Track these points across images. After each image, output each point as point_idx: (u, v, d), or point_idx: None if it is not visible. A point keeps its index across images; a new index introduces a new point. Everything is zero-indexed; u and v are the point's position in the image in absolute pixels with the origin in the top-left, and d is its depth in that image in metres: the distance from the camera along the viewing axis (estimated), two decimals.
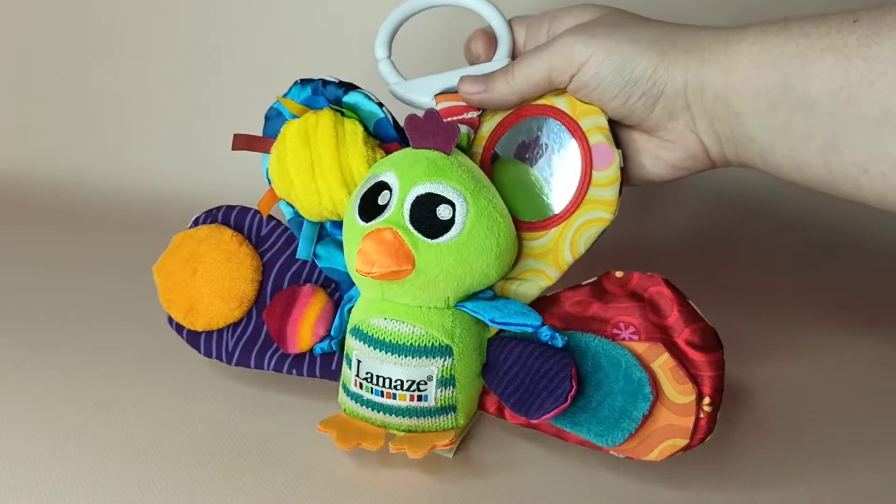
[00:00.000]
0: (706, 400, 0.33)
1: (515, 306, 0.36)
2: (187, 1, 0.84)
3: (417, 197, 0.35)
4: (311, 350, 0.41)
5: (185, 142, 0.84)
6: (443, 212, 0.35)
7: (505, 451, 0.39)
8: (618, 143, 0.36)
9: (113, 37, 0.88)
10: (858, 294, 0.60)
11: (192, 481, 0.35)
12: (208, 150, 0.81)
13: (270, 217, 0.43)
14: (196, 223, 0.44)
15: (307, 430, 0.38)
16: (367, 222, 0.35)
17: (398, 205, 0.35)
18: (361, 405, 0.37)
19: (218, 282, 0.42)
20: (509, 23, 0.39)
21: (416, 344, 0.36)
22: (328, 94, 0.40)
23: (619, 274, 0.36)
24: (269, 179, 0.41)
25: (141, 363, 0.46)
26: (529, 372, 0.35)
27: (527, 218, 0.38)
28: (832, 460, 0.38)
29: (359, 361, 0.37)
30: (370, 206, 0.36)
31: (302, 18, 0.81)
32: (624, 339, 0.35)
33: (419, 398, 0.36)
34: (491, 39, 0.40)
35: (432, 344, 0.36)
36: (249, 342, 0.42)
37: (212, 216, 0.44)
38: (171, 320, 0.43)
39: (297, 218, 0.41)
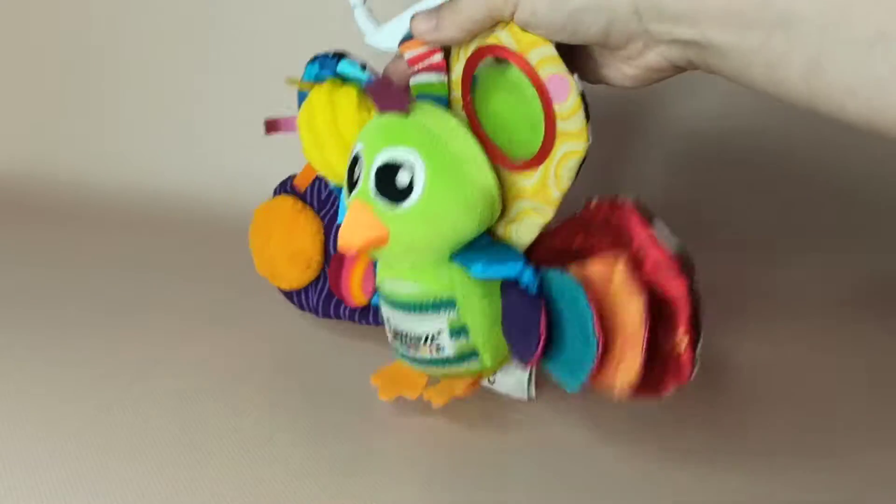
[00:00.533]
0: (679, 332, 0.32)
1: (501, 252, 0.37)
2: (187, 1, 0.84)
3: (378, 167, 0.36)
4: (370, 303, 0.44)
5: (185, 142, 0.84)
6: (402, 178, 0.35)
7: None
8: (572, 68, 0.35)
9: (113, 37, 0.88)
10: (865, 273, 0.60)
11: (192, 481, 0.35)
12: (208, 150, 0.81)
13: (327, 184, 0.46)
14: (274, 194, 0.49)
15: (306, 426, 0.39)
16: (349, 196, 0.37)
17: (365, 177, 0.36)
18: (402, 357, 0.40)
19: (286, 246, 0.47)
20: None
21: (419, 301, 0.37)
22: (329, 67, 0.42)
23: (592, 202, 0.35)
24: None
25: (141, 363, 0.46)
26: (512, 317, 0.37)
27: (517, 156, 0.37)
28: (832, 438, 0.39)
29: (388, 318, 0.40)
30: (350, 181, 0.37)
31: (302, 19, 0.81)
32: None
33: (437, 349, 0.38)
34: None
35: (433, 299, 0.37)
36: (328, 297, 0.47)
37: (282, 186, 0.49)
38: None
39: (338, 187, 0.44)
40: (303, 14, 0.81)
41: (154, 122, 0.86)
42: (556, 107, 0.35)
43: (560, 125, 0.35)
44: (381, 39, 0.40)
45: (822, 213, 0.67)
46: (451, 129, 0.37)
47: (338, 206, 0.46)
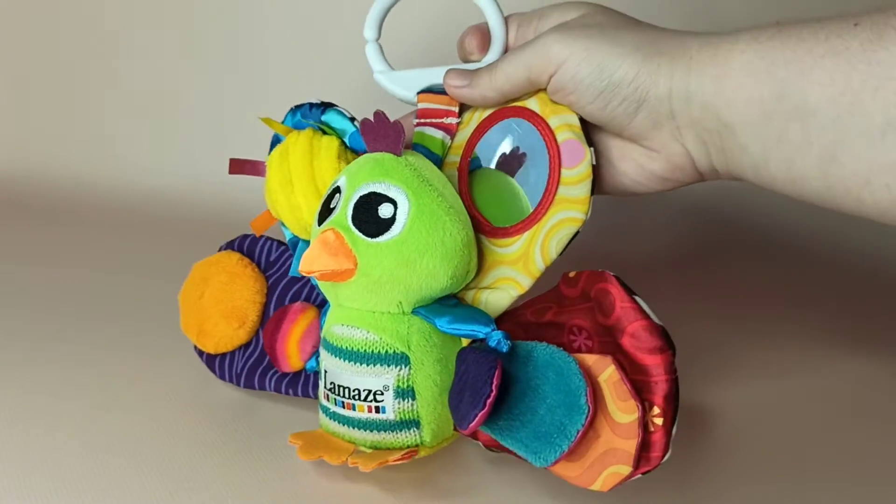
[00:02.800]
0: (655, 410, 0.30)
1: (471, 313, 0.35)
2: (188, 2, 0.84)
3: (360, 197, 0.35)
4: (305, 368, 0.40)
5: (185, 142, 0.84)
6: (384, 210, 0.34)
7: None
8: (591, 142, 0.35)
9: (113, 37, 0.88)
10: (843, 309, 0.58)
11: (192, 481, 0.35)
12: (208, 150, 0.81)
13: (281, 243, 0.44)
14: (219, 249, 0.45)
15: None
16: (318, 227, 0.36)
17: (343, 206, 0.35)
18: (330, 418, 0.36)
19: (222, 302, 0.43)
20: (506, 20, 0.39)
21: (370, 350, 0.35)
22: (312, 116, 0.41)
23: (571, 274, 0.34)
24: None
25: (141, 363, 0.46)
26: (462, 379, 0.33)
27: (499, 224, 0.37)
28: (813, 482, 0.37)
29: (325, 371, 0.37)
30: (325, 211, 0.36)
31: (302, 19, 0.81)
32: (579, 346, 0.33)
33: (377, 409, 0.35)
34: (485, 37, 0.39)
35: (386, 351, 0.35)
36: (255, 363, 0.42)
37: (230, 244, 0.45)
38: (196, 347, 0.44)
39: (294, 238, 0.42)
40: (303, 14, 0.81)
41: (154, 123, 0.86)
42: (565, 171, 0.35)
43: (562, 190, 0.35)
44: (391, 81, 0.39)
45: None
46: (440, 179, 0.36)
47: (287, 268, 0.43)
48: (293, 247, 0.42)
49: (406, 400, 0.35)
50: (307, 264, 0.34)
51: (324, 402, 0.37)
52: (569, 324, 0.34)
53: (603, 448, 0.30)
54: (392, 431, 0.35)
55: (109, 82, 0.89)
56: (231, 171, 0.42)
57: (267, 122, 0.41)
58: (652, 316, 0.31)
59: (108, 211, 0.79)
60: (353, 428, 0.35)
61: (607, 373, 0.31)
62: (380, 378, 0.35)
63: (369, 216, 0.34)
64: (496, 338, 0.33)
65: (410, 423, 0.35)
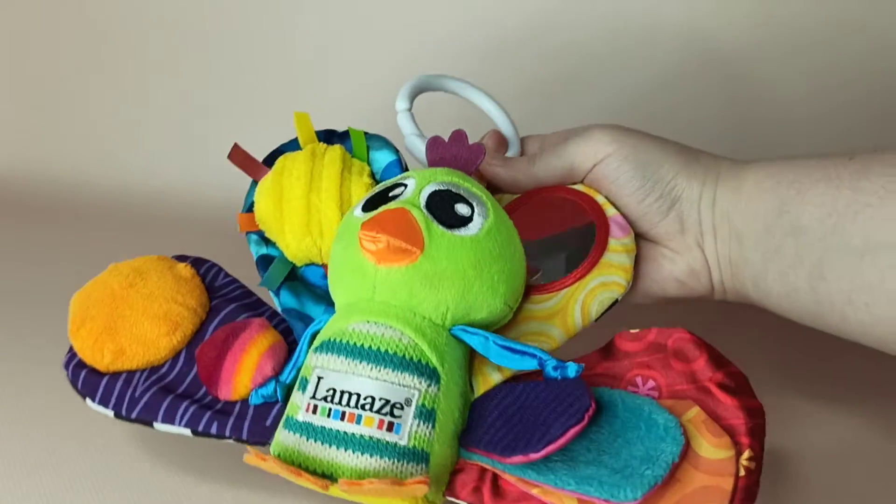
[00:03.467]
0: (746, 454, 0.27)
1: (516, 343, 0.32)
2: (187, 2, 0.84)
3: (435, 191, 0.32)
4: (247, 400, 0.33)
5: (185, 142, 0.84)
6: (461, 209, 0.32)
7: None
8: None
9: (113, 37, 0.88)
10: None
11: (193, 480, 0.35)
12: (208, 150, 0.81)
13: (227, 274, 0.40)
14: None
15: None
16: (369, 212, 0.32)
17: (415, 193, 0.32)
18: (309, 438, 0.29)
19: (156, 299, 0.36)
20: (518, 135, 0.41)
21: (401, 353, 0.30)
22: (337, 141, 0.40)
23: (634, 331, 0.32)
24: (246, 209, 0.39)
25: None
26: (532, 402, 0.29)
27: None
28: None
29: (319, 379, 0.30)
30: (377, 200, 0.32)
31: (305, 24, 0.81)
32: (643, 395, 0.30)
33: (389, 427, 0.29)
34: (503, 140, 0.41)
35: (419, 359, 0.30)
36: (163, 390, 0.34)
37: (179, 259, 0.40)
38: (70, 359, 0.37)
39: (267, 254, 0.38)
40: (305, 19, 0.81)
41: (154, 122, 0.86)
42: (612, 240, 0.36)
43: (607, 256, 0.35)
44: (423, 147, 0.37)
45: None
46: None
47: (232, 295, 0.38)
48: (263, 267, 0.38)
49: (426, 424, 0.29)
50: (369, 235, 0.30)
51: (304, 417, 0.30)
52: (629, 375, 0.31)
53: (689, 488, 0.26)
54: (398, 459, 0.29)
55: (109, 83, 0.89)
56: (231, 157, 0.38)
57: (300, 118, 0.38)
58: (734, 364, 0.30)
59: (108, 211, 0.79)
60: (345, 448, 0.29)
61: (692, 412, 0.28)
62: (404, 389, 0.29)
63: (446, 208, 0.32)
64: (555, 363, 0.30)
65: (421, 456, 0.29)
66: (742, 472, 0.27)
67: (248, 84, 0.83)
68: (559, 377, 0.30)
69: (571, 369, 0.30)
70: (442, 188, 0.32)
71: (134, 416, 0.33)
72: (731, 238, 0.35)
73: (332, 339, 0.31)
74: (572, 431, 0.27)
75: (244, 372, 0.33)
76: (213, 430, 0.32)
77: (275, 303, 0.37)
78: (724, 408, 0.28)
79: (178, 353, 0.36)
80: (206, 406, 0.33)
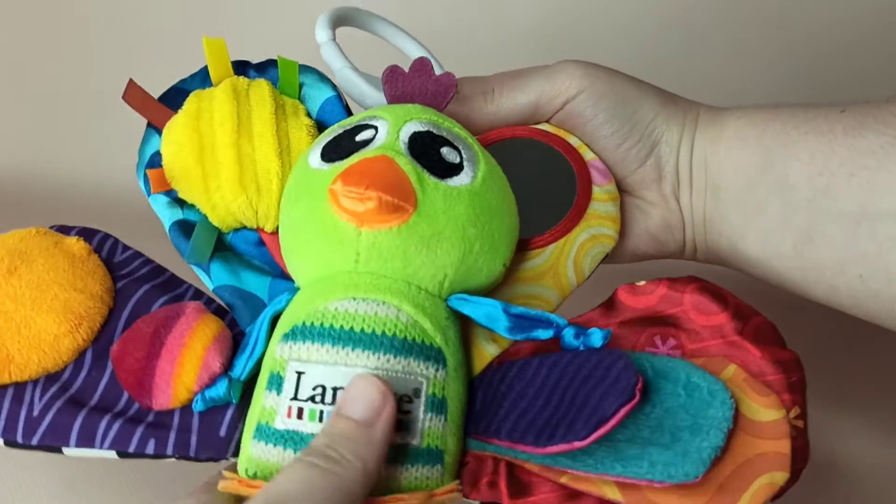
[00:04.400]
0: (793, 412, 0.24)
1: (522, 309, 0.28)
2: (187, 2, 0.84)
3: (415, 133, 0.27)
4: (188, 407, 0.27)
5: None
6: (449, 154, 0.27)
7: None
8: None
9: (113, 37, 0.88)
10: None
11: (194, 480, 0.35)
12: None
13: (127, 246, 0.33)
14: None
15: None
16: (335, 162, 0.26)
17: (391, 136, 0.26)
18: (297, 449, 0.24)
19: (49, 287, 0.28)
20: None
21: (402, 335, 0.25)
22: (269, 75, 0.33)
23: (640, 283, 0.28)
24: (148, 167, 0.32)
25: None
26: (561, 380, 0.25)
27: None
28: None
29: (299, 375, 0.24)
30: (342, 146, 0.27)
31: (302, 21, 0.81)
32: (666, 354, 0.27)
33: (400, 426, 0.24)
34: None
35: (422, 339, 0.25)
36: (72, 403, 0.27)
37: (63, 230, 0.32)
38: None
39: (183, 219, 0.31)
40: (302, 16, 0.81)
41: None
42: (595, 188, 0.32)
43: (594, 206, 0.31)
44: (358, 80, 0.32)
45: None
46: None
47: (141, 273, 0.31)
48: (179, 236, 0.31)
49: (438, 417, 0.25)
50: (351, 194, 0.24)
51: (285, 424, 0.24)
52: (645, 335, 0.27)
53: (742, 458, 0.23)
54: (410, 465, 0.24)
55: (109, 82, 0.89)
56: (127, 98, 0.31)
57: (213, 46, 0.32)
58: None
59: (108, 211, 0.79)
60: None
61: (729, 371, 0.25)
62: (410, 378, 0.24)
63: (431, 154, 0.26)
64: (574, 331, 0.26)
65: (436, 455, 0.25)
66: (794, 433, 0.24)
67: None
68: (582, 346, 0.26)
69: (596, 336, 0.26)
70: (423, 129, 0.27)
71: (36, 441, 0.26)
72: (707, 191, 0.32)
73: (307, 324, 0.25)
74: (624, 411, 0.23)
75: (187, 372, 0.27)
76: (150, 449, 0.26)
77: (202, 279, 0.31)
78: (759, 363, 0.25)
79: (83, 353, 0.28)
80: (133, 419, 0.26)
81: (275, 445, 0.24)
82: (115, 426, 0.26)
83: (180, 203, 0.31)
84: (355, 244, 0.25)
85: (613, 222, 0.31)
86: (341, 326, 0.24)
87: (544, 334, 0.26)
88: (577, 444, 0.23)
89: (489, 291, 0.28)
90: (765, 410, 0.24)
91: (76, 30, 0.89)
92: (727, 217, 0.31)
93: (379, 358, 0.24)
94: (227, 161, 0.29)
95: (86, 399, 0.27)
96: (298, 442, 0.24)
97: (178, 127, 0.30)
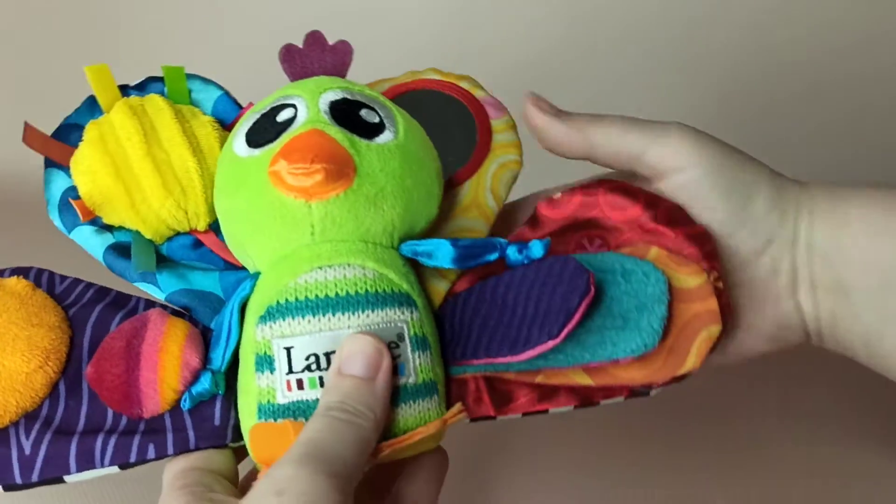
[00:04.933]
0: (712, 275, 0.28)
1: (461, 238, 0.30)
2: (188, 2, 0.84)
3: (332, 101, 0.28)
4: (176, 408, 0.28)
5: None
6: (368, 115, 0.28)
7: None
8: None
9: (113, 37, 0.88)
10: None
11: None
12: None
13: (63, 276, 0.32)
14: None
15: None
16: (265, 147, 0.27)
17: (312, 110, 0.28)
18: (305, 416, 0.26)
19: (8, 330, 0.28)
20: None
21: (374, 290, 0.26)
22: (151, 90, 0.34)
23: (557, 195, 0.31)
24: (60, 202, 0.32)
25: None
26: (519, 292, 0.27)
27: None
28: None
29: (288, 350, 0.26)
30: (266, 129, 0.28)
31: (302, 20, 0.81)
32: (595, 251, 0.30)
33: (395, 370, 0.26)
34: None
35: (392, 289, 0.27)
36: (60, 433, 0.27)
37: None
38: None
39: (120, 243, 0.31)
40: (301, 18, 0.81)
41: None
42: (493, 122, 0.34)
43: (496, 137, 0.34)
44: None
45: None
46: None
47: (87, 298, 0.31)
48: (114, 258, 0.31)
49: (424, 353, 0.27)
50: (299, 155, 0.25)
51: (286, 398, 0.26)
52: (571, 242, 0.31)
53: (681, 321, 0.27)
54: (412, 401, 0.26)
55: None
56: (27, 141, 0.32)
57: (97, 73, 0.33)
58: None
59: None
60: None
61: (653, 252, 0.28)
62: (392, 325, 0.26)
63: (353, 118, 0.28)
64: (516, 246, 0.28)
65: (431, 388, 0.27)
66: (717, 293, 0.27)
67: (248, 85, 0.83)
68: (525, 260, 0.28)
69: (537, 247, 0.28)
70: (338, 97, 0.28)
71: (36, 477, 0.26)
72: (836, 290, 0.28)
73: (281, 302, 0.26)
74: (585, 303, 0.25)
75: (169, 374, 0.27)
76: (151, 454, 0.27)
77: (150, 292, 0.31)
78: (675, 241, 0.28)
79: (56, 385, 0.28)
80: (127, 432, 0.27)
81: (283, 419, 0.26)
82: (112, 442, 0.27)
83: (108, 228, 0.32)
84: (308, 218, 0.27)
85: (516, 148, 0.34)
86: (316, 296, 0.26)
87: (491, 256, 0.29)
88: (551, 342, 0.25)
89: (428, 233, 0.30)
90: (690, 278, 0.27)
91: (77, 30, 0.89)
92: (860, 317, 0.28)
93: (359, 316, 0.26)
94: (145, 171, 0.30)
95: (72, 427, 0.27)
96: (305, 409, 0.26)
97: (86, 156, 0.31)
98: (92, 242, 0.31)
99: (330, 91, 0.29)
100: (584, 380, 0.27)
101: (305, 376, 0.26)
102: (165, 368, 0.27)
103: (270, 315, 0.26)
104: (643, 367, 0.27)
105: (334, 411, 0.24)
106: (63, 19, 0.90)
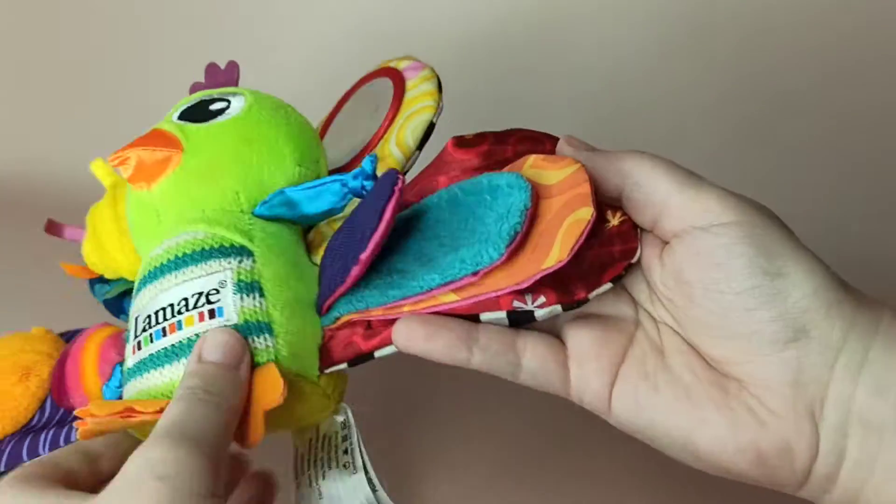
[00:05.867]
0: (618, 216, 0.26)
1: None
2: (188, 1, 0.84)
3: (186, 108, 0.31)
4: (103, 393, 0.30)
5: None
6: (217, 105, 0.31)
7: None
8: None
9: (114, 37, 0.88)
10: None
11: None
12: None
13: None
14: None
15: None
16: None
17: (167, 116, 0.32)
18: (143, 374, 0.27)
19: (2, 358, 0.33)
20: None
21: (199, 248, 0.28)
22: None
23: (468, 136, 0.30)
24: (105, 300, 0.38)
25: None
26: (350, 224, 0.28)
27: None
28: None
29: (136, 319, 0.28)
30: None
31: (302, 20, 0.81)
32: None
33: (212, 314, 0.26)
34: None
35: (220, 244, 0.28)
36: (28, 433, 0.31)
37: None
38: None
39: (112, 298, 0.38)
40: (301, 17, 0.81)
41: (154, 123, 0.86)
42: (408, 81, 0.34)
43: (408, 94, 0.34)
44: None
45: None
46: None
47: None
48: (113, 306, 0.38)
49: (252, 295, 0.27)
50: (119, 154, 0.29)
51: (132, 362, 0.27)
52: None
53: (549, 216, 0.25)
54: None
55: (111, 82, 0.88)
56: (48, 231, 0.38)
57: (97, 168, 0.37)
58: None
59: None
60: (177, 360, 0.26)
61: (529, 161, 0.27)
62: (213, 276, 0.27)
63: (198, 111, 0.31)
64: (352, 174, 0.29)
65: (260, 327, 0.27)
66: (616, 222, 0.26)
67: (251, 82, 0.83)
68: (361, 182, 0.29)
69: (366, 163, 0.28)
70: (195, 101, 0.32)
71: (2, 467, 0.30)
72: (882, 431, 0.22)
73: (137, 282, 0.29)
74: (389, 206, 0.24)
75: (89, 368, 0.31)
76: (74, 439, 0.29)
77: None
78: (553, 142, 0.28)
79: (43, 402, 0.32)
80: (61, 422, 0.30)
81: (131, 380, 0.27)
82: (51, 433, 0.30)
83: (106, 281, 0.37)
84: (152, 204, 0.30)
85: (429, 95, 0.33)
86: (155, 266, 0.28)
87: (333, 194, 0.29)
88: (363, 256, 0.25)
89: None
90: (562, 171, 0.26)
91: (77, 29, 0.89)
92: None
93: (183, 272, 0.27)
94: (112, 244, 0.35)
95: (38, 426, 0.31)
96: (142, 367, 0.27)
97: (85, 241, 0.37)
98: (100, 291, 0.38)
99: (192, 100, 0.32)
100: (450, 298, 0.26)
101: (142, 336, 0.27)
102: (85, 364, 0.31)
103: (133, 295, 0.29)
104: (506, 271, 0.25)
105: (198, 391, 0.25)
106: (63, 19, 0.90)
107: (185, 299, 0.27)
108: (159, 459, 0.22)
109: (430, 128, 0.33)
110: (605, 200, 0.27)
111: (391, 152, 0.33)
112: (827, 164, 0.68)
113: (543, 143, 0.29)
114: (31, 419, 0.32)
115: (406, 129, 0.33)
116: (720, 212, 0.24)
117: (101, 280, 0.37)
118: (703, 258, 0.24)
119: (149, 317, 0.27)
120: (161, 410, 0.25)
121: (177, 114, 0.31)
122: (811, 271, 0.23)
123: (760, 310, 0.23)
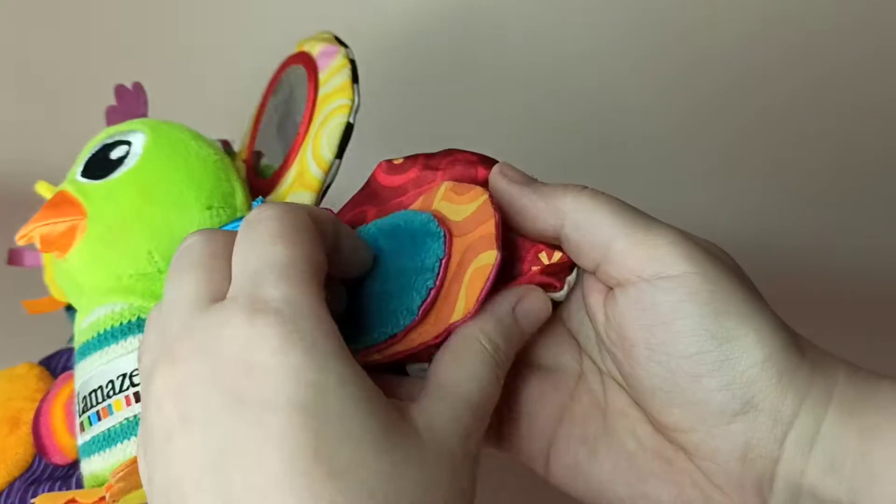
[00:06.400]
0: (556, 256, 0.24)
1: None
2: (189, 2, 0.84)
3: (90, 158, 0.30)
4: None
5: None
6: (116, 152, 0.29)
7: None
8: None
9: (114, 37, 0.88)
10: None
11: None
12: None
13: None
14: None
15: None
16: None
17: (71, 172, 0.30)
18: (89, 456, 0.27)
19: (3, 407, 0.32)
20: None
21: (118, 323, 0.27)
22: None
23: (397, 161, 0.27)
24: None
25: None
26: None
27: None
28: None
29: (78, 394, 0.28)
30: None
31: (303, 21, 0.81)
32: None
33: (137, 397, 0.25)
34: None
35: (139, 316, 0.27)
36: (32, 484, 0.31)
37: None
38: None
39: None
40: (300, 18, 0.81)
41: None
42: (321, 73, 0.31)
43: (322, 89, 0.31)
44: None
45: None
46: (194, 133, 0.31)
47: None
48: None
49: None
50: (22, 232, 0.27)
51: (80, 438, 0.27)
52: (405, 203, 0.27)
53: (458, 258, 0.23)
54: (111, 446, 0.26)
55: (109, 82, 0.88)
56: (10, 263, 0.36)
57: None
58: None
59: None
60: (116, 444, 0.25)
61: (440, 191, 0.25)
62: (133, 354, 0.26)
63: (99, 163, 0.29)
64: (255, 204, 0.26)
65: None
66: (553, 261, 0.24)
67: (247, 84, 0.83)
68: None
69: (255, 206, 0.25)
70: (97, 149, 0.30)
71: None
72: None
73: (76, 342, 0.28)
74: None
75: (60, 429, 0.30)
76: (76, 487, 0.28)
77: None
78: (467, 159, 0.26)
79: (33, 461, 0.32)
80: (50, 478, 0.29)
81: (84, 460, 0.26)
82: (43, 489, 0.29)
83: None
84: (70, 273, 0.28)
85: (343, 90, 0.30)
86: (82, 343, 0.27)
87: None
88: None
89: None
90: (471, 203, 0.23)
91: (77, 29, 0.89)
92: None
93: (106, 352, 0.26)
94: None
95: (43, 478, 0.30)
96: (87, 451, 0.26)
97: (45, 272, 0.36)
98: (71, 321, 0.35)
99: (95, 146, 0.30)
100: (374, 359, 0.24)
101: (83, 418, 0.27)
102: (55, 423, 0.30)
103: (74, 362, 0.28)
104: (420, 328, 0.23)
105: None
106: (65, 18, 0.90)
107: (112, 381, 0.26)
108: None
109: (348, 129, 0.30)
110: (540, 240, 0.25)
111: (309, 169, 0.30)
112: (826, 163, 0.68)
113: (476, 168, 0.26)
114: (32, 464, 0.31)
115: (322, 138, 0.30)
116: (670, 262, 0.21)
117: (71, 307, 0.35)
118: (648, 315, 0.22)
119: (85, 398, 0.27)
120: (102, 499, 0.23)
121: (80, 168, 0.30)
122: (763, 335, 0.21)
123: (707, 377, 0.21)
